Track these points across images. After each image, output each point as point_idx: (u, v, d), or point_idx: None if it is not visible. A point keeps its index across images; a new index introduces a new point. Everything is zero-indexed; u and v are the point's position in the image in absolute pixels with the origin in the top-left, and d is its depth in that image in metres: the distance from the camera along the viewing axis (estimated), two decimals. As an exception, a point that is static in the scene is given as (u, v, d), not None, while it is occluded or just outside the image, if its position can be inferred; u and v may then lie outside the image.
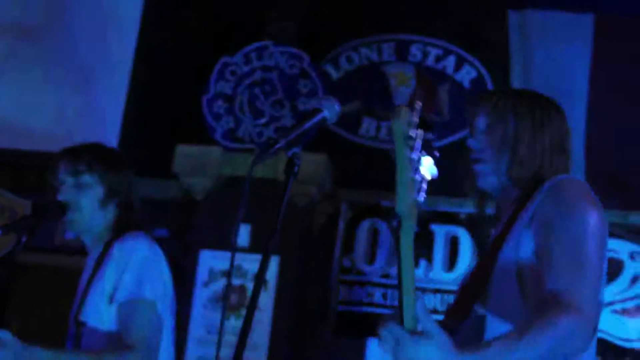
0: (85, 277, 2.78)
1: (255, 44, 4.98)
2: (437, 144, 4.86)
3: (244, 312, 4.66)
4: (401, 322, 1.60)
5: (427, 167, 1.65)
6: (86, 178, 2.74)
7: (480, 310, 1.84)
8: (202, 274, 4.79)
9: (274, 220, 1.83)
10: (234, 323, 4.66)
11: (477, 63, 5.02)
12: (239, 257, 4.47)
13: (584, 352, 1.72)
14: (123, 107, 5.32)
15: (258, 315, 4.75)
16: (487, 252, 1.97)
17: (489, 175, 1.99)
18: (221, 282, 4.73)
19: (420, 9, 5.16)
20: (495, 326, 1.80)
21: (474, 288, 1.90)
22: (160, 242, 2.82)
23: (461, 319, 1.86)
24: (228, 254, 4.63)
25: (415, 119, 1.62)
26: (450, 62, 5.06)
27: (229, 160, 4.82)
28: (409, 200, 1.58)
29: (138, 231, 2.76)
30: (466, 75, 5.00)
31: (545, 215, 1.82)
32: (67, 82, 5.46)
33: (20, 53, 5.52)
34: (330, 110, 1.87)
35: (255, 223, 4.42)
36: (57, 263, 5.08)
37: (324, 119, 1.87)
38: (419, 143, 1.61)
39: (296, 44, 5.00)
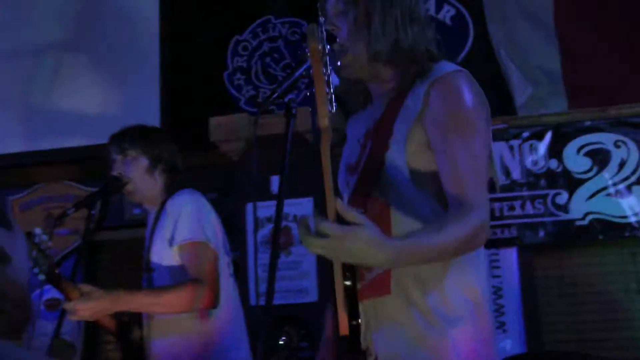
0: (148, 232, 3.02)
1: (259, 20, 5.08)
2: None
3: (291, 249, 4.91)
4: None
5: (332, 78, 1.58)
6: (131, 152, 2.97)
7: (381, 198, 1.78)
8: (250, 223, 4.90)
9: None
10: (285, 259, 4.86)
11: (453, 1, 5.05)
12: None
13: (481, 247, 1.74)
14: (159, 93, 5.45)
15: (305, 250, 4.97)
16: (373, 137, 1.84)
17: (351, 58, 1.83)
18: (267, 228, 4.91)
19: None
20: (398, 214, 1.76)
21: (369, 177, 1.82)
22: (212, 203, 2.99)
23: (362, 207, 1.76)
24: (268, 203, 4.74)
25: (323, 34, 1.56)
26: (431, 4, 5.09)
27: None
28: (326, 113, 1.54)
29: (186, 189, 2.96)
30: (447, 14, 5.03)
31: (439, 113, 1.74)
32: (110, 80, 5.62)
33: (67, 64, 5.71)
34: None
35: (289, 172, 4.56)
36: (130, 236, 5.25)
37: (310, 67, 1.79)
38: (328, 58, 1.56)
39: (289, 13, 5.05)
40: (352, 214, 1.48)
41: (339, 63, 1.70)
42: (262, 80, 5.04)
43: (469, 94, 1.75)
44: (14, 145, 5.64)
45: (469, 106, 1.74)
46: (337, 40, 1.84)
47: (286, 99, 1.83)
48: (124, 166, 2.98)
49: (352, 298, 1.61)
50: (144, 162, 2.98)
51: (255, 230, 4.82)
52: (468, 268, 1.77)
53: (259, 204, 4.90)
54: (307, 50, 1.56)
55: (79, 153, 5.44)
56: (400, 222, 1.75)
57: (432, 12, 5.12)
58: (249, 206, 4.96)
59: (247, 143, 4.98)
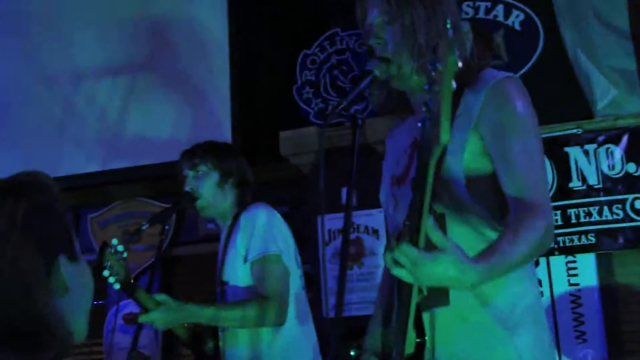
0: (221, 245, 3.04)
1: (326, 34, 5.11)
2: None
3: (363, 260, 4.89)
4: (414, 243, 1.49)
5: None
6: (202, 168, 3.01)
7: (436, 208, 1.71)
8: (321, 236, 4.91)
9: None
10: (358, 270, 4.89)
11: (522, 6, 4.94)
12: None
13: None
14: (230, 110, 5.52)
15: (377, 261, 4.95)
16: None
17: (398, 70, 1.83)
18: (339, 240, 4.89)
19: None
20: (453, 224, 1.75)
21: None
22: (284, 216, 3.00)
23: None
24: (340, 215, 4.74)
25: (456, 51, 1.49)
26: (499, 10, 4.99)
27: (325, 136, 4.95)
28: (450, 128, 1.44)
29: (258, 202, 2.98)
30: (516, 19, 4.94)
31: (494, 120, 1.74)
32: (181, 99, 5.73)
33: (140, 83, 5.85)
34: (378, 68, 1.85)
35: (358, 183, 4.56)
36: (205, 251, 5.30)
37: (375, 77, 1.84)
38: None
39: (355, 26, 5.07)
40: (438, 236, 1.48)
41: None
42: (331, 93, 5.07)
43: (522, 98, 1.76)
44: (91, 165, 5.80)
45: (524, 110, 1.75)
46: (381, 52, 1.85)
47: (352, 111, 1.81)
48: (196, 182, 3.01)
49: (418, 315, 1.65)
50: (214, 177, 3.02)
51: (325, 242, 4.81)
52: (523, 276, 1.78)
53: (331, 215, 4.91)
54: (438, 64, 1.43)
55: (153, 171, 5.55)
56: (455, 232, 1.74)
57: (500, 18, 5.04)
58: (320, 219, 4.97)
59: (317, 156, 5.02)
